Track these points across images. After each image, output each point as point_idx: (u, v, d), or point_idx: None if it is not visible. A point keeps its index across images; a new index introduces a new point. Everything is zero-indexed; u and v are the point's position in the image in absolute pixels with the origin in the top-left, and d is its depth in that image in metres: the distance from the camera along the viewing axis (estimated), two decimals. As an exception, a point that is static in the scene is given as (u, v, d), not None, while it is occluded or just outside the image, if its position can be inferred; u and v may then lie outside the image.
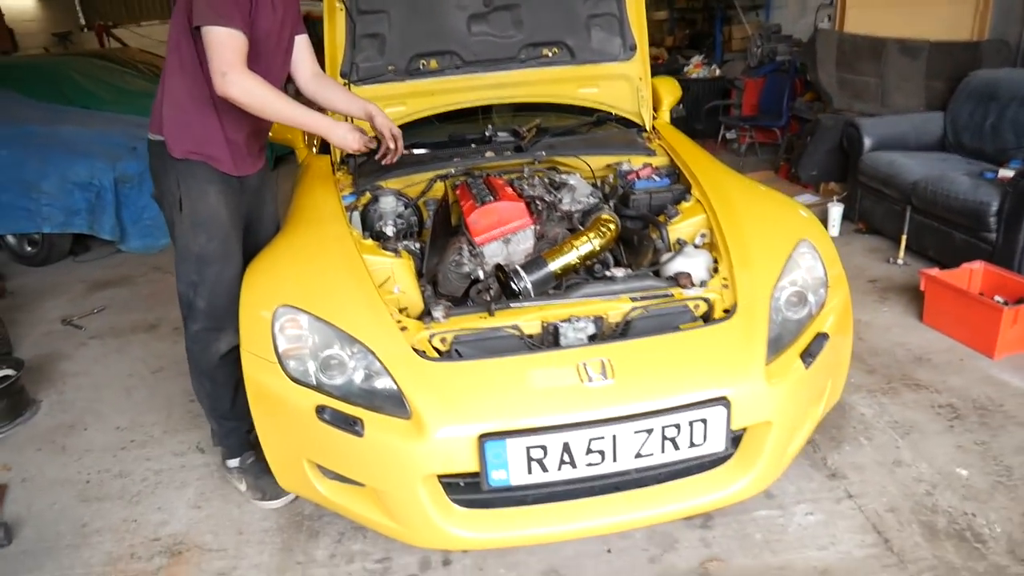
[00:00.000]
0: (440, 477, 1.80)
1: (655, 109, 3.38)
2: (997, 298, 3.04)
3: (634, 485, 1.87)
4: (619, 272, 2.11)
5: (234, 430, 2.41)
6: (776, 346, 1.91)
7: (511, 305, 2.01)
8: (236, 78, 1.96)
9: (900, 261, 3.86)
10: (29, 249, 5.05)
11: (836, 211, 4.33)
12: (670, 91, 3.41)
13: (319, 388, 1.87)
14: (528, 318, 1.97)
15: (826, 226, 4.38)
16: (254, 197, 2.38)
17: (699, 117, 7.00)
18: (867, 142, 4.22)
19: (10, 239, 5.04)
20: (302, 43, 2.38)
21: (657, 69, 7.51)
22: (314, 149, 3.16)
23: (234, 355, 2.15)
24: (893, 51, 4.64)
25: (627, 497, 1.87)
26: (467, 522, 1.83)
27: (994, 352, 2.86)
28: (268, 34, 2.14)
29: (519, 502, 1.86)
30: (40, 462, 2.73)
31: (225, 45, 1.95)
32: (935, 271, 3.12)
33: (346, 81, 2.88)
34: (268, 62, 2.18)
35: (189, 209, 2.17)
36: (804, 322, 2.00)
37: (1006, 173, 3.46)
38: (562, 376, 1.76)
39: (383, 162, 2.44)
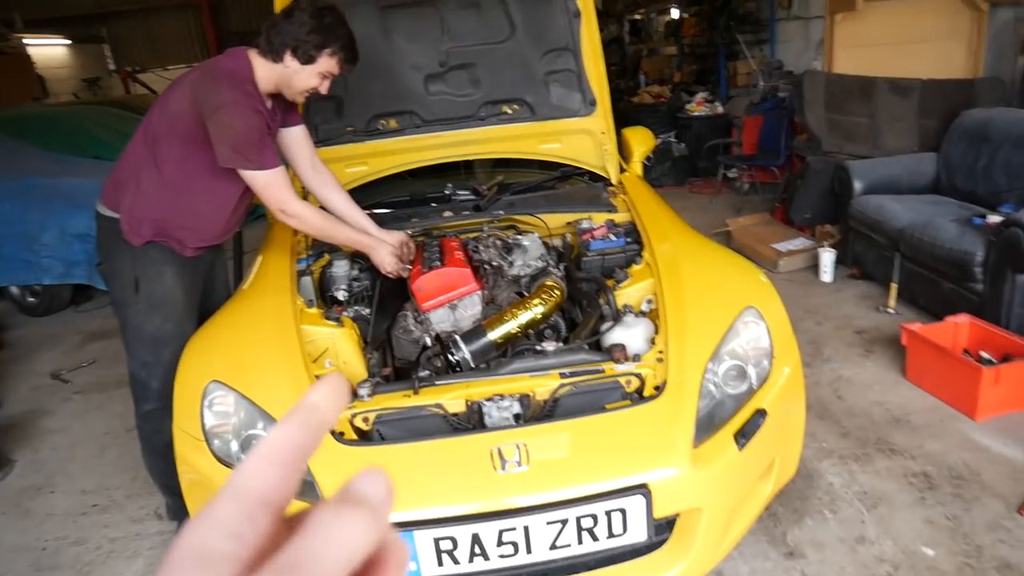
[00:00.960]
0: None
1: (627, 160, 3.34)
2: (983, 353, 2.91)
3: (564, 572, 1.80)
4: (550, 346, 2.06)
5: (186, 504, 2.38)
6: (708, 426, 1.83)
7: (436, 383, 1.96)
8: (294, 211, 2.15)
9: (891, 310, 3.73)
10: (31, 300, 5.15)
11: (828, 257, 4.22)
12: (642, 141, 3.36)
13: (240, 469, 1.84)
14: (452, 396, 1.91)
15: (818, 271, 4.28)
16: (208, 268, 2.41)
17: (700, 155, 6.94)
18: (857, 185, 4.12)
19: (13, 290, 5.15)
20: (299, 136, 2.41)
21: (659, 108, 7.49)
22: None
23: None
24: (883, 90, 4.54)
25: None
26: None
27: (976, 413, 2.72)
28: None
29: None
30: (2, 527, 2.74)
31: (271, 186, 2.10)
32: (916, 326, 3.00)
33: None
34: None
35: (145, 291, 2.19)
36: (743, 397, 1.91)
37: (994, 219, 3.33)
38: (474, 463, 1.70)
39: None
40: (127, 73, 12.02)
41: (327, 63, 2.12)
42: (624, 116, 8.39)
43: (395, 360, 2.45)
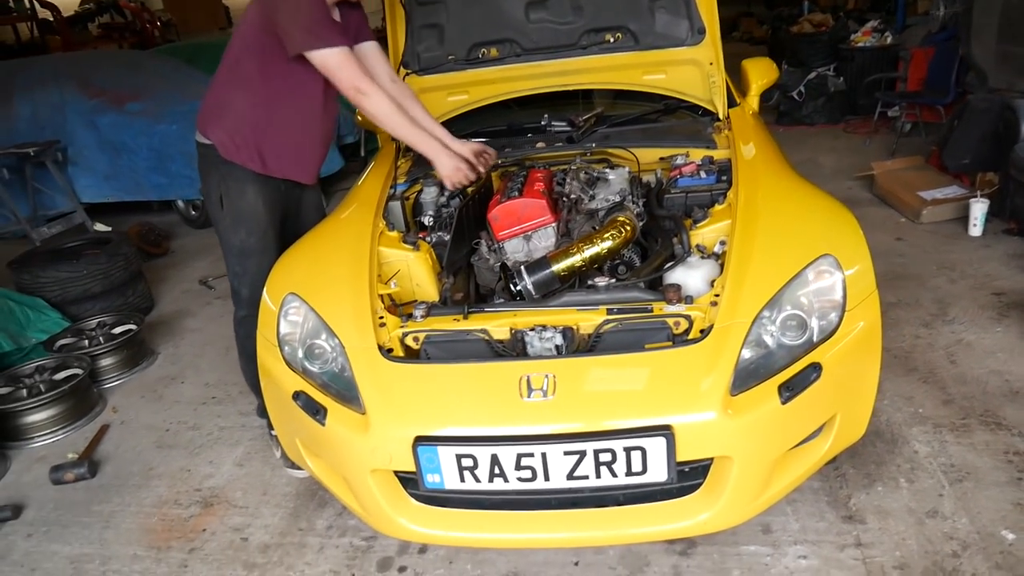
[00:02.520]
0: (397, 472, 1.87)
1: (744, 94, 3.14)
2: None
3: (594, 504, 1.83)
4: (602, 281, 2.03)
5: None
6: (753, 375, 1.75)
7: (486, 310, 2.01)
8: (370, 91, 2.20)
9: (1043, 271, 3.30)
10: (193, 213, 5.73)
11: (979, 208, 3.76)
12: (762, 74, 3.13)
13: (304, 373, 2.00)
14: (499, 324, 1.96)
15: (967, 224, 3.85)
16: (296, 199, 2.56)
17: (860, 91, 6.32)
18: (1025, 129, 3.60)
19: (179, 204, 5.75)
20: (373, 51, 2.49)
21: (819, 38, 6.88)
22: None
23: None
24: (1079, 18, 3.86)
25: (583, 515, 1.83)
26: (421, 517, 1.88)
27: (1113, 394, 2.39)
28: None
29: (477, 504, 1.88)
30: (139, 408, 3.17)
31: (344, 65, 2.18)
32: (1059, 290, 2.65)
33: (408, 71, 2.96)
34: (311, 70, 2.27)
35: (229, 206, 2.39)
36: (799, 350, 1.80)
37: None
38: (503, 389, 1.74)
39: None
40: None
41: None
42: (779, 47, 7.79)
43: (477, 287, 2.53)
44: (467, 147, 2.48)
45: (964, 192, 4.10)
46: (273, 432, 2.69)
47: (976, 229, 3.81)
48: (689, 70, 2.89)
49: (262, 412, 2.73)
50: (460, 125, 3.04)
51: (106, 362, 3.40)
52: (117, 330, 3.60)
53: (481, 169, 2.46)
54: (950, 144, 4.10)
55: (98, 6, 14.00)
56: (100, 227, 5.39)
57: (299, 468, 2.58)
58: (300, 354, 2.03)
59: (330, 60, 2.16)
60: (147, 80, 5.94)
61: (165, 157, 5.38)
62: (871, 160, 4.98)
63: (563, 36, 2.90)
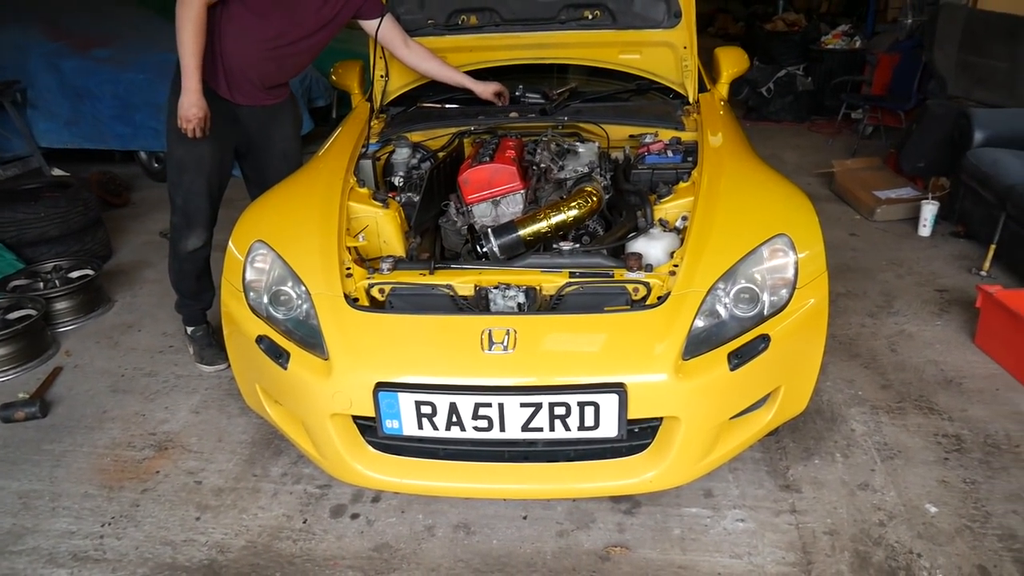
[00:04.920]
0: (355, 418, 1.90)
1: (715, 82, 3.22)
2: (1067, 327, 2.67)
3: (544, 458, 1.90)
4: (566, 246, 2.09)
5: (190, 305, 2.96)
6: (705, 342, 1.82)
7: (451, 266, 2.05)
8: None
9: (984, 273, 3.46)
10: (156, 165, 5.62)
11: (929, 209, 3.92)
12: (734, 63, 3.20)
13: (268, 319, 2.02)
14: (464, 280, 2.00)
15: (917, 225, 4.00)
16: (257, 130, 2.70)
17: (827, 92, 6.48)
18: (978, 136, 3.76)
19: (142, 155, 5.64)
20: (388, 25, 2.76)
21: (791, 37, 7.02)
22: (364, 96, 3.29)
23: (202, 253, 2.82)
24: (1034, 34, 4.04)
25: (534, 468, 1.90)
26: (377, 464, 1.93)
27: (1037, 386, 2.54)
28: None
29: (432, 454, 1.93)
30: (94, 353, 3.13)
31: None
32: (995, 288, 2.79)
33: None
34: (287, 22, 2.52)
35: (176, 120, 2.49)
36: (750, 322, 1.88)
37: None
38: (464, 341, 1.79)
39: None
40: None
41: None
42: (753, 44, 7.92)
43: (443, 249, 2.56)
44: (490, 87, 2.89)
45: (917, 194, 4.26)
46: (189, 331, 2.98)
47: (926, 229, 3.97)
48: (663, 52, 2.95)
49: (180, 308, 2.99)
50: (435, 90, 3.06)
51: (61, 306, 3.35)
52: (74, 275, 3.55)
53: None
54: (907, 147, 4.26)
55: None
56: (58, 172, 5.26)
57: (207, 365, 2.93)
58: (265, 300, 2.04)
59: None
60: (115, 27, 5.78)
61: (130, 107, 5.27)
62: (832, 159, 5.13)
63: (543, 9, 2.94)
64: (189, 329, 3.00)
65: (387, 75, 3.03)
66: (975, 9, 4.44)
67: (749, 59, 3.32)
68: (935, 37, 4.31)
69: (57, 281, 3.47)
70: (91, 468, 2.38)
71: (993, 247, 3.43)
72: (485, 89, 2.88)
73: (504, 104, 2.90)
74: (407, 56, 2.84)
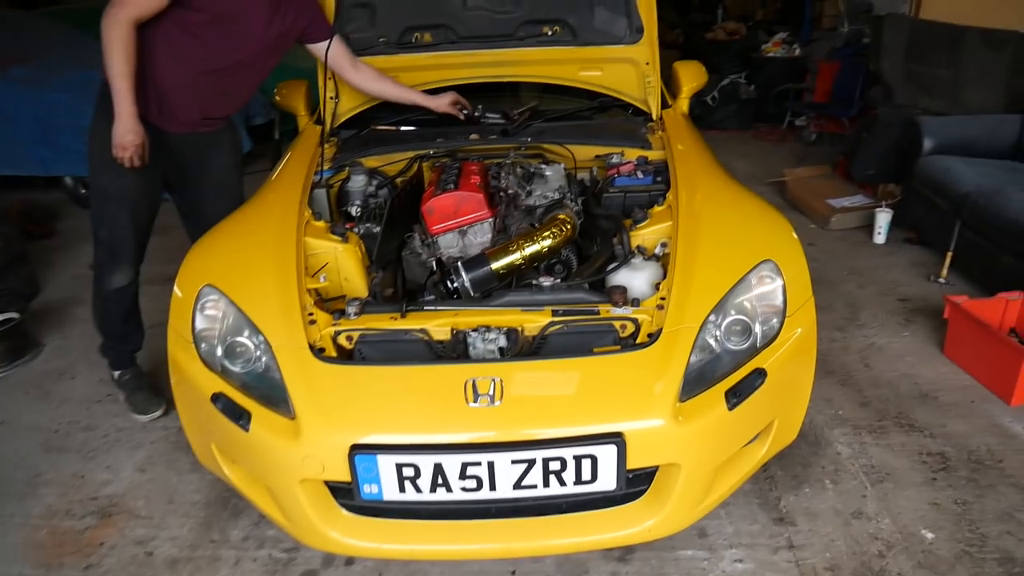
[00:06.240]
0: (328, 481, 1.74)
1: (675, 96, 3.15)
2: (1032, 335, 2.70)
3: (536, 512, 1.76)
4: (547, 282, 1.97)
5: (115, 348, 2.75)
6: (700, 380, 1.73)
7: (425, 308, 1.91)
8: (116, 14, 2.11)
9: (942, 280, 3.49)
10: (83, 192, 5.27)
11: (883, 217, 3.96)
12: (693, 77, 3.15)
13: (223, 373, 1.84)
14: (439, 323, 1.86)
15: (872, 233, 4.04)
16: (191, 159, 2.53)
17: (770, 100, 6.56)
18: (927, 143, 3.81)
19: (67, 181, 5.28)
20: (336, 47, 2.59)
21: (732, 46, 7.09)
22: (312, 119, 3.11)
23: (128, 291, 2.61)
24: (973, 41, 4.14)
25: (525, 524, 1.76)
26: (352, 529, 1.76)
27: (1011, 398, 2.54)
28: (236, 16, 2.29)
29: (413, 514, 1.78)
30: (22, 406, 2.86)
31: None
32: (962, 298, 2.79)
33: None
34: (226, 44, 2.33)
35: (101, 146, 2.28)
36: (744, 355, 1.80)
37: (1072, 193, 3.04)
38: (446, 393, 1.65)
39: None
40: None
41: None
42: (694, 52, 7.97)
43: (405, 282, 2.41)
44: (443, 98, 2.73)
45: (869, 202, 4.30)
46: (116, 374, 2.77)
47: (880, 237, 4.01)
48: (625, 69, 2.87)
49: (105, 352, 2.77)
50: (390, 112, 2.91)
51: (-18, 355, 3.06)
52: (-4, 319, 3.25)
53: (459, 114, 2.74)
54: (858, 155, 4.30)
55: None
56: (-28, 203, 4.88)
57: (141, 414, 2.69)
58: (219, 352, 1.86)
59: None
60: (32, 44, 5.43)
61: (52, 129, 4.93)
62: (781, 167, 5.17)
63: (500, 26, 2.83)
64: (116, 374, 2.78)
65: (337, 96, 2.86)
66: (918, 19, 4.54)
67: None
68: (880, 47, 4.37)
69: (-24, 327, 3.17)
70: (24, 543, 2.14)
71: (950, 254, 3.47)
72: (440, 103, 2.72)
73: (466, 111, 2.75)
74: (355, 78, 2.68)
